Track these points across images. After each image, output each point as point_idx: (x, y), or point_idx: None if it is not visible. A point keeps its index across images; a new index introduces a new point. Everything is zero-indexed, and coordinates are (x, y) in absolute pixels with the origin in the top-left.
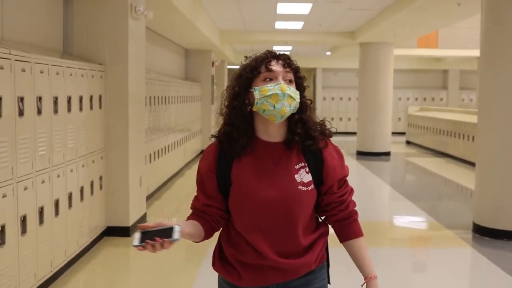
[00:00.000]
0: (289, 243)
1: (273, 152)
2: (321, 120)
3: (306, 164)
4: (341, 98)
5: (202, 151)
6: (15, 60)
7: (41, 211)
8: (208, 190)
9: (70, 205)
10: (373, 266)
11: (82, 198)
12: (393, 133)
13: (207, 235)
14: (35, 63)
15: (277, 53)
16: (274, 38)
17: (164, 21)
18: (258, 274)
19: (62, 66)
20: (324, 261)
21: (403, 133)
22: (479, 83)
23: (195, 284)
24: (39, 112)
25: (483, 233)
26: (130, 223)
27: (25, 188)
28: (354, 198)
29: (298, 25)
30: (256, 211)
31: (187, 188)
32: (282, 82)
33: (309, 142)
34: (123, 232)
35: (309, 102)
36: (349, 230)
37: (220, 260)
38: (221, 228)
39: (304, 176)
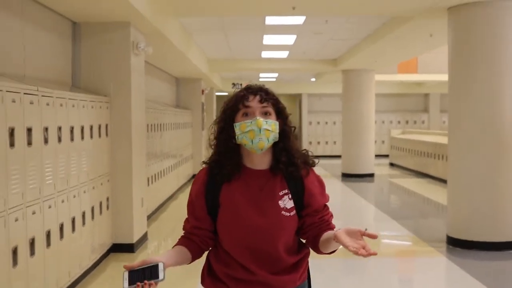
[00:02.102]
0: (274, 261)
1: (258, 178)
2: (304, 150)
3: (289, 191)
4: (326, 122)
5: (193, 175)
6: (42, 96)
7: (61, 227)
8: (198, 213)
9: (83, 223)
10: None
11: (93, 217)
12: (377, 155)
13: (195, 257)
14: (56, 97)
15: (256, 87)
16: (261, 66)
17: (158, 53)
18: None
19: (76, 99)
20: (305, 280)
21: (387, 156)
22: (449, 104)
23: None
24: (59, 140)
25: (456, 244)
26: (134, 240)
27: (49, 207)
28: (340, 214)
29: (283, 54)
30: (242, 233)
31: (181, 210)
32: (258, 118)
33: (292, 168)
34: (128, 248)
35: (292, 129)
36: (326, 230)
37: (209, 276)
38: (201, 254)
39: (287, 202)
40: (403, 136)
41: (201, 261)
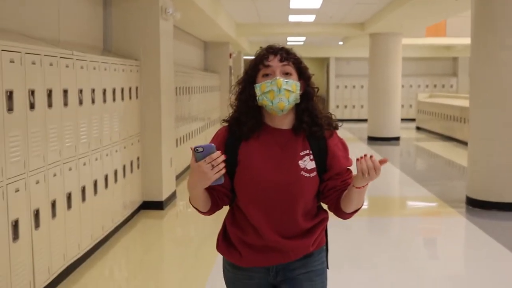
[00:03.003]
0: (289, 225)
1: (279, 138)
2: (329, 113)
3: (310, 152)
4: (354, 86)
5: None
6: (76, 59)
7: (95, 184)
8: None
9: (116, 180)
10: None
11: (124, 175)
12: (404, 119)
13: (212, 209)
14: (90, 61)
15: (277, 47)
16: (288, 30)
17: (187, 18)
18: (259, 255)
19: (108, 63)
20: (323, 245)
21: (414, 120)
22: (470, 69)
23: None
24: (93, 101)
25: (475, 205)
26: (163, 198)
27: (84, 164)
28: None
29: (310, 18)
30: (259, 192)
31: None
32: (278, 77)
33: (315, 128)
34: (157, 206)
35: (316, 90)
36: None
37: (224, 241)
38: (224, 207)
39: (307, 163)
40: (429, 100)
41: (218, 227)
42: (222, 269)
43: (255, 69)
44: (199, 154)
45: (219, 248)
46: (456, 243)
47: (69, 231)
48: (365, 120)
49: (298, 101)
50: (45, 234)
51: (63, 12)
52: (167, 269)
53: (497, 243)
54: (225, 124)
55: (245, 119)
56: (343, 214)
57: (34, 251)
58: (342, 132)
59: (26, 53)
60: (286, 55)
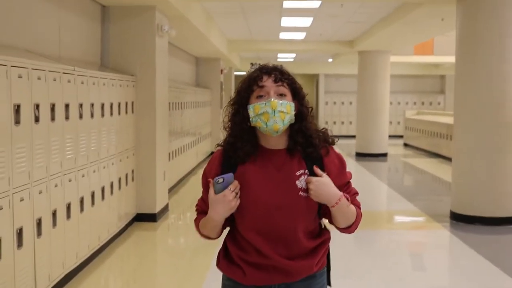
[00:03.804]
0: (292, 245)
1: (275, 159)
2: (323, 128)
3: (306, 171)
4: (342, 103)
5: (211, 153)
6: (78, 75)
7: (92, 195)
8: None
9: (111, 192)
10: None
11: (119, 187)
12: (392, 136)
13: (220, 234)
14: (90, 76)
15: (270, 67)
16: (279, 47)
17: (180, 35)
18: (262, 273)
19: (106, 78)
20: (324, 267)
21: (401, 136)
22: (455, 86)
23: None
24: (91, 115)
25: (459, 219)
26: (157, 210)
27: (83, 176)
28: None
29: (300, 35)
30: (258, 215)
31: (200, 185)
32: (272, 99)
33: (310, 149)
34: (151, 218)
35: (309, 109)
36: None
37: (225, 259)
38: (226, 229)
39: (304, 182)
40: (417, 117)
41: (217, 243)
42: (215, 279)
43: (248, 90)
44: (219, 185)
45: (220, 265)
46: (440, 255)
47: (68, 240)
48: (353, 136)
49: (293, 121)
50: (46, 242)
51: (64, 29)
52: (161, 278)
53: (479, 255)
54: (220, 148)
55: (241, 144)
56: (341, 230)
57: (36, 258)
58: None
59: (32, 68)
60: (280, 75)
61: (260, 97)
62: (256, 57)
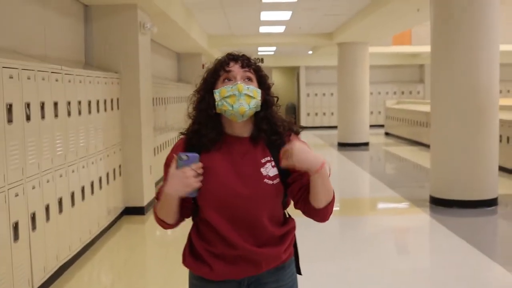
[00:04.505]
0: (258, 233)
1: (240, 146)
2: (289, 119)
3: (271, 159)
4: (324, 94)
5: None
6: (65, 74)
7: (82, 190)
8: None
9: (100, 187)
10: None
11: (108, 182)
12: (373, 125)
13: (178, 221)
14: (76, 75)
15: (237, 54)
16: (259, 41)
17: (162, 31)
18: (230, 267)
19: (92, 76)
20: (292, 256)
21: (382, 126)
22: (431, 75)
23: None
24: (79, 113)
25: (437, 203)
26: (144, 203)
27: (73, 171)
28: (335, 181)
29: (280, 29)
30: (223, 202)
31: None
32: (239, 82)
33: (275, 137)
34: (139, 211)
35: (275, 99)
36: None
37: (190, 255)
38: (184, 221)
39: (270, 170)
40: (397, 106)
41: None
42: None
43: (215, 75)
44: (183, 162)
45: (185, 262)
46: (420, 238)
47: (61, 233)
48: (335, 127)
49: (259, 108)
50: (41, 236)
51: (49, 29)
52: (151, 269)
53: (457, 237)
54: (183, 136)
55: (205, 131)
56: (317, 213)
57: (32, 251)
58: (313, 139)
59: (22, 69)
60: (247, 61)
61: (226, 80)
62: (237, 51)
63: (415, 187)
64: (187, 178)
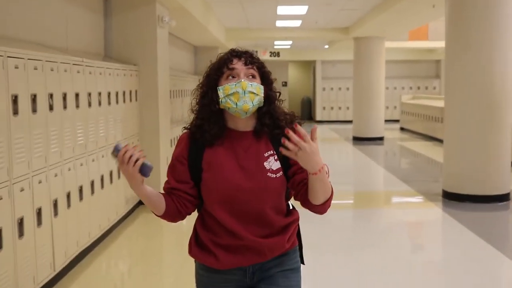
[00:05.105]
0: (263, 224)
1: (243, 140)
2: (292, 112)
3: (274, 152)
4: (339, 88)
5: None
6: (86, 66)
7: (102, 179)
8: (179, 176)
9: (119, 176)
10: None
11: None
12: (388, 120)
13: (168, 212)
14: (96, 67)
15: (240, 50)
16: (275, 34)
17: (180, 25)
18: (235, 255)
19: (111, 68)
20: (296, 245)
21: (398, 121)
22: (445, 71)
23: None
24: (99, 104)
25: (450, 198)
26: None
27: (93, 160)
28: (349, 174)
29: (296, 23)
30: (227, 196)
31: None
32: (243, 80)
33: (277, 131)
34: None
35: (277, 94)
36: None
37: (196, 245)
38: (189, 214)
39: (273, 163)
40: (412, 101)
41: (190, 231)
42: None
43: (218, 72)
44: (113, 155)
45: (191, 252)
46: (432, 231)
47: (81, 220)
48: (350, 121)
49: (262, 104)
50: (63, 222)
51: (70, 22)
52: (167, 257)
53: (469, 231)
54: (186, 131)
55: (208, 126)
56: (315, 208)
57: (54, 236)
58: (328, 133)
59: (46, 61)
60: (251, 59)
61: (230, 77)
62: (253, 44)
63: (428, 182)
64: (124, 171)
